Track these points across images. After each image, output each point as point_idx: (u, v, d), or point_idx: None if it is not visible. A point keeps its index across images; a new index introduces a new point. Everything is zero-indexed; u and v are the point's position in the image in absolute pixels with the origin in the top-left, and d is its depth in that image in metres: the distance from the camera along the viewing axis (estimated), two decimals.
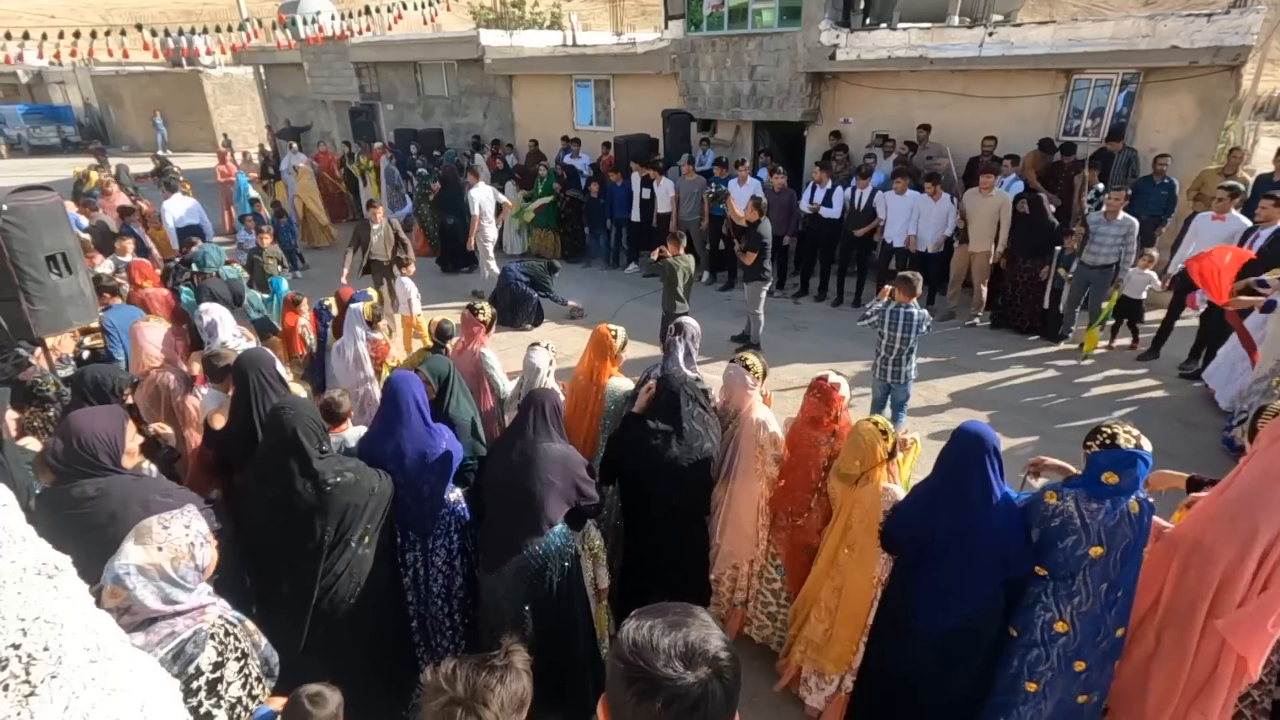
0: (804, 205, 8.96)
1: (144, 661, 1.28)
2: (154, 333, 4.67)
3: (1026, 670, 2.71)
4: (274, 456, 2.80)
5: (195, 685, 1.95)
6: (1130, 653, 2.71)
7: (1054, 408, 6.39)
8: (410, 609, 3.32)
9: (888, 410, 5.54)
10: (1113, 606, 2.54)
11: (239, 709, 2.12)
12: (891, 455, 3.05)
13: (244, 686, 2.11)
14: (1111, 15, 10.27)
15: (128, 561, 1.86)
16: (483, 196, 9.69)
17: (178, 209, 9.63)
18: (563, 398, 3.58)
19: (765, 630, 3.66)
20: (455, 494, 3.33)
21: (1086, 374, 7.04)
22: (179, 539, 1.94)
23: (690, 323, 4.03)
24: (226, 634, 2.04)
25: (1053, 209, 7.56)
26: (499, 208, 10.09)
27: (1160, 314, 7.18)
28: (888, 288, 5.28)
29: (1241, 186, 6.58)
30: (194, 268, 6.32)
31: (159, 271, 6.73)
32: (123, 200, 9.96)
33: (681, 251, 6.97)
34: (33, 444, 3.39)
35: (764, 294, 7.47)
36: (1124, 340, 7.45)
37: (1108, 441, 2.48)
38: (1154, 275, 6.88)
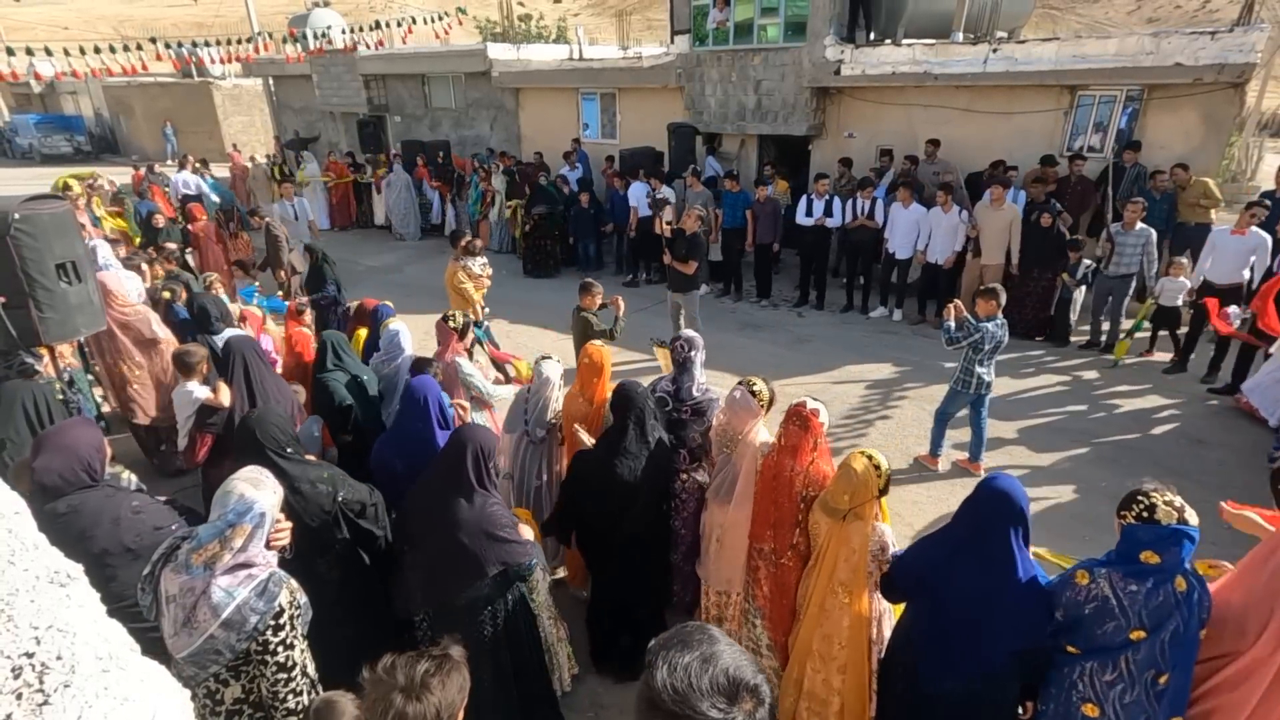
0: (801, 218, 8.92)
1: (155, 671, 1.28)
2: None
3: None
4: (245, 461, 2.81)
5: (281, 620, 2.09)
6: None
7: (1069, 421, 6.32)
8: None
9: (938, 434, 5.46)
10: (1162, 696, 2.24)
11: (305, 655, 2.23)
12: (883, 491, 2.83)
13: (297, 634, 2.20)
14: (1115, 32, 10.33)
15: (261, 502, 2.08)
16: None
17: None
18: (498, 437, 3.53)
19: None
20: None
21: (1104, 385, 7.00)
22: (277, 485, 2.22)
23: (696, 336, 3.97)
24: (289, 582, 2.21)
25: (1067, 221, 7.74)
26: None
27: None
28: (950, 306, 5.17)
29: (1269, 203, 6.65)
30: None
31: None
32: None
33: (598, 305, 5.53)
34: None
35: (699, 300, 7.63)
36: (1165, 354, 7.33)
37: (1145, 514, 2.18)
38: (1186, 283, 6.87)
